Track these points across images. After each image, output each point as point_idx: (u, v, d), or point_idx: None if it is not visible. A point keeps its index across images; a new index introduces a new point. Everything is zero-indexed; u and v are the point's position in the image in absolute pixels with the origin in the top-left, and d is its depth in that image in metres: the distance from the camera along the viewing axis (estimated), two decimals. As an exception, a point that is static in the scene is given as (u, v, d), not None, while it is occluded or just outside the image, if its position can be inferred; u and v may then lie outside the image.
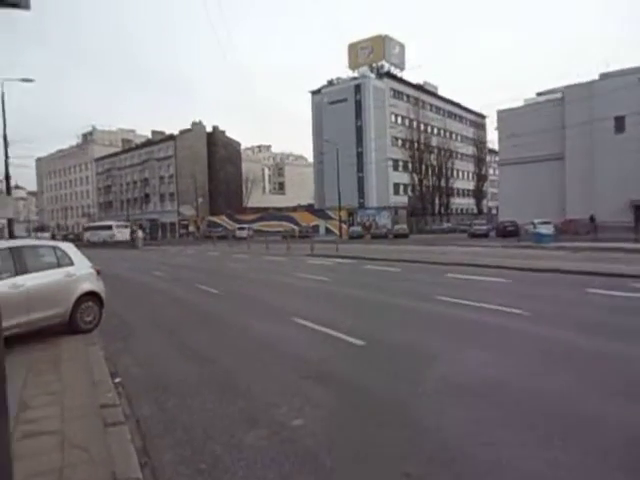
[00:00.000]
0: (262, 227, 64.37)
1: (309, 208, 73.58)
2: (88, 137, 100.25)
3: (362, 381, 5.01)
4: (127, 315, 9.62)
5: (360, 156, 67.45)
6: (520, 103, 47.05)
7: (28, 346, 6.74)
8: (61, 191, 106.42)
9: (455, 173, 76.30)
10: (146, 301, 11.68)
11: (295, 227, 59.31)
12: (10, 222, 27.54)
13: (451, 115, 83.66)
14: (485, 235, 40.35)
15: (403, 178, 70.58)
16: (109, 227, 59.38)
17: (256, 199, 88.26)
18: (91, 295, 7.80)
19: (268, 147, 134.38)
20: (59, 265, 7.45)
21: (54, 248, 7.64)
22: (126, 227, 60.31)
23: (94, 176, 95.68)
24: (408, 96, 74.28)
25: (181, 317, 9.25)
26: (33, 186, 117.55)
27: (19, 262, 6.81)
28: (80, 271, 7.69)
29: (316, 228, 59.12)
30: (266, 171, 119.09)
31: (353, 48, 73.81)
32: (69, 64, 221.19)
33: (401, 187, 71.07)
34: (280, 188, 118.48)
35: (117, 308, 9.70)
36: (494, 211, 69.09)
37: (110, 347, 7.00)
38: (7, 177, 26.43)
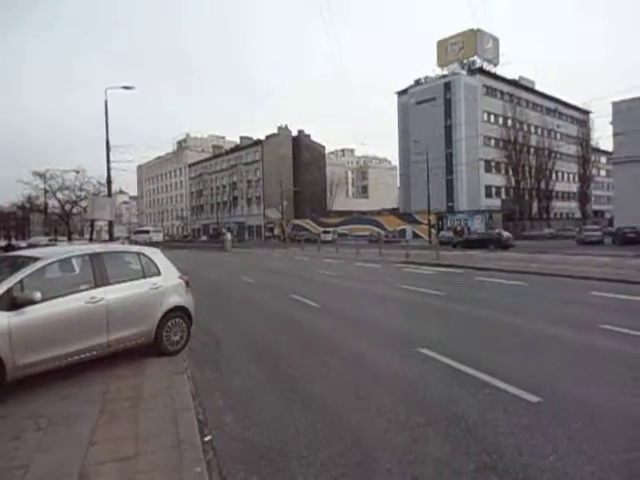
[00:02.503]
0: (347, 230, 63.14)
1: (395, 212, 71.23)
2: (182, 144, 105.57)
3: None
4: (216, 330, 8.44)
5: (449, 157, 64.12)
6: (637, 94, 41.34)
7: (106, 372, 5.64)
8: (158, 195, 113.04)
9: (555, 174, 69.86)
10: (237, 312, 10.54)
11: (381, 231, 57.37)
12: (110, 224, 28.54)
13: (550, 112, 76.98)
14: (599, 242, 35.73)
15: (496, 180, 65.92)
16: (147, 232, 74.40)
17: (340, 203, 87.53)
18: (179, 310, 6.63)
19: (352, 150, 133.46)
20: (144, 275, 6.33)
21: (139, 254, 6.54)
22: (159, 231, 77.43)
23: (187, 181, 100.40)
24: (502, 92, 69.46)
25: (279, 336, 7.88)
26: (135, 191, 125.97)
27: (99, 271, 5.75)
28: (167, 282, 6.54)
29: (403, 232, 56.78)
30: (349, 174, 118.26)
31: (442, 45, 70.51)
32: (166, 76, 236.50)
33: (493, 190, 66.41)
34: (363, 191, 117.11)
35: (205, 320, 8.55)
36: (607, 215, 62.08)
37: (198, 377, 5.74)
38: (109, 181, 27.34)
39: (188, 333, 6.78)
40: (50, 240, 45.07)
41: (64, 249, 6.33)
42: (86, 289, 5.56)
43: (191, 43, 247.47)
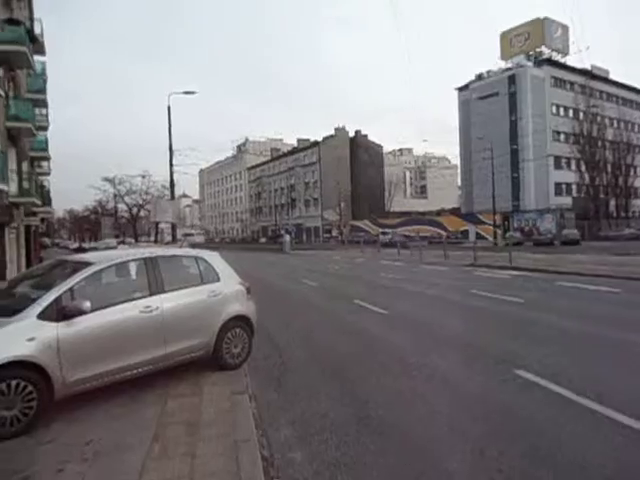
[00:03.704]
0: (406, 232, 61.51)
1: (455, 212, 68.69)
2: (242, 148, 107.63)
3: None
4: (278, 338, 7.85)
5: (514, 154, 60.87)
6: None
7: (161, 390, 5.12)
8: (219, 198, 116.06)
9: (634, 170, 64.40)
10: (300, 318, 9.91)
11: (442, 232, 55.36)
12: (173, 226, 29.16)
13: (627, 102, 71.27)
14: (693, 243, 32.19)
15: (567, 177, 61.74)
16: (192, 234, 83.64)
17: (397, 203, 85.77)
18: (240, 319, 6.05)
19: (410, 150, 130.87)
20: (202, 281, 5.80)
21: (196, 259, 6.01)
22: (200, 234, 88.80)
23: (246, 184, 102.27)
24: (572, 84, 65.02)
25: (347, 349, 7.12)
26: (198, 194, 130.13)
27: (154, 277, 5.26)
28: (227, 289, 5.97)
29: (465, 233, 54.47)
30: (407, 174, 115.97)
31: (506, 36, 67.19)
32: (226, 81, 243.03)
33: (564, 187, 62.27)
34: (422, 191, 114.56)
35: (266, 327, 7.95)
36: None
37: (261, 397, 5.11)
38: (171, 184, 27.93)
39: (249, 345, 6.19)
40: (118, 242, 46.90)
41: (119, 253, 5.92)
42: (140, 297, 5.08)
43: (249, 49, 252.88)
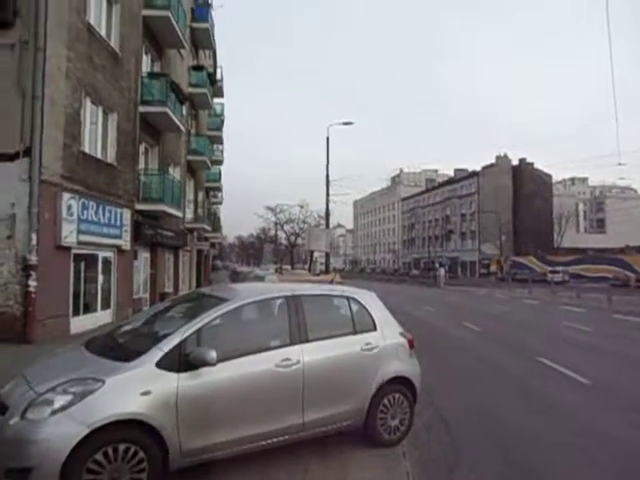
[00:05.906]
0: (581, 271, 53.61)
1: (647, 250, 57.97)
2: (396, 179, 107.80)
3: None
4: (443, 404, 6.20)
5: None
6: None
7: (295, 471, 3.92)
8: (372, 229, 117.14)
9: None
10: (469, 377, 8.08)
11: (630, 273, 46.84)
12: (327, 255, 29.21)
13: None
14: None
15: None
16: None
17: (568, 239, 76.16)
18: (400, 382, 4.66)
19: (584, 180, 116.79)
20: (355, 329, 4.57)
21: (348, 299, 4.81)
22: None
23: (400, 215, 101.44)
24: None
25: (551, 440, 5.09)
26: (352, 225, 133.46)
27: (296, 321, 4.20)
28: (385, 341, 4.65)
29: (662, 276, 45.20)
30: (581, 206, 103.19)
31: None
32: (382, 111, 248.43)
33: None
34: (599, 226, 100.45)
35: (425, 383, 6.21)
36: None
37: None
38: (327, 213, 28.23)
39: (411, 415, 4.75)
40: (276, 269, 48.73)
41: (259, 288, 5.04)
42: (278, 346, 4.04)
43: (406, 80, 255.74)
